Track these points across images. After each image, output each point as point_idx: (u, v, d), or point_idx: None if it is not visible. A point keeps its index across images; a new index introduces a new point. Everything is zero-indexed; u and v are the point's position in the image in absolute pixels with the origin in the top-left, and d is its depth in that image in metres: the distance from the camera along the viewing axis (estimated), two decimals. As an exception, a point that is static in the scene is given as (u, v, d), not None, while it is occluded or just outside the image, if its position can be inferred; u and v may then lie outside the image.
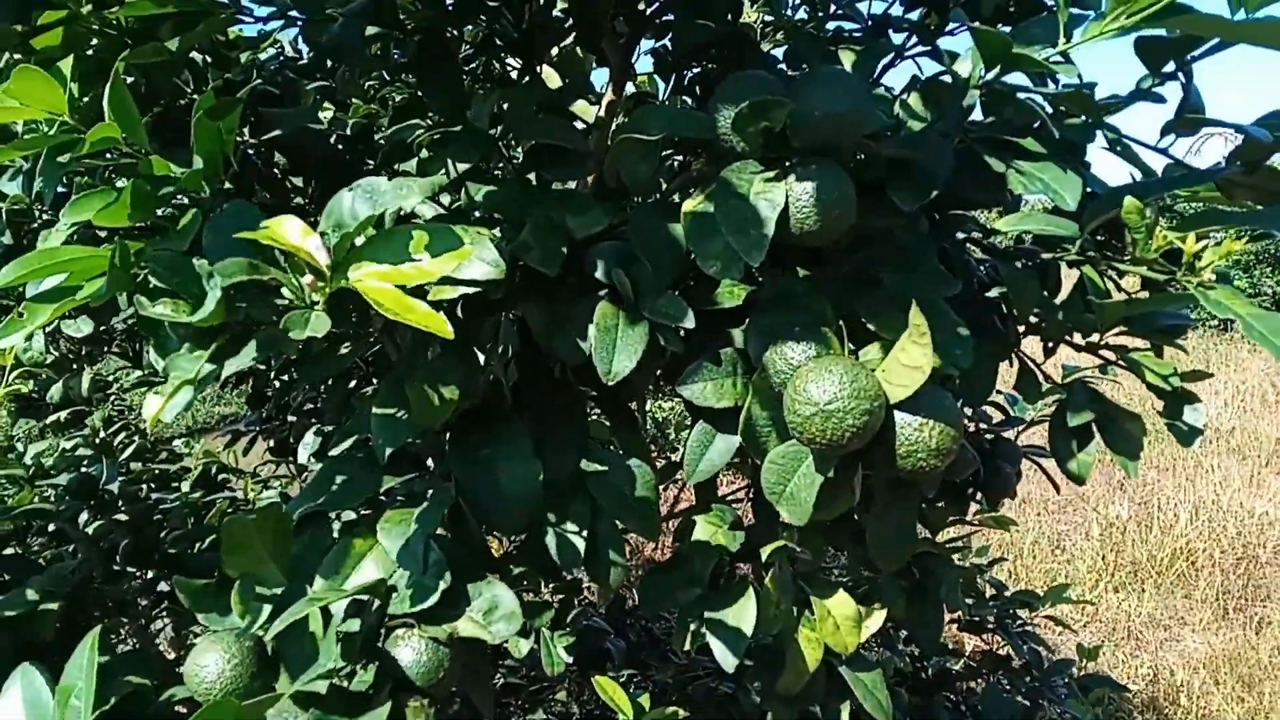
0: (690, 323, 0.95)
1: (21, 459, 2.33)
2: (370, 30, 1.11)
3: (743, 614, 1.10)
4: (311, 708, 0.79)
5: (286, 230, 0.74)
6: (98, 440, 2.69)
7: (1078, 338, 1.25)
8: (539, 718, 2.25)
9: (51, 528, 1.80)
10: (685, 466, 1.03)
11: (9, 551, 1.64)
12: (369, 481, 0.99)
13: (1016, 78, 0.97)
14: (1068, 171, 0.93)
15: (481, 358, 1.03)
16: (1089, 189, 1.03)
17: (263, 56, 1.58)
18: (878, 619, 1.23)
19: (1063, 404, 1.19)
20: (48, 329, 2.20)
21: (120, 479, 2.04)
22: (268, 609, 0.90)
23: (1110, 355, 1.20)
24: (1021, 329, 1.24)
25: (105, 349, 2.69)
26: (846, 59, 1.24)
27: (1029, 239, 1.29)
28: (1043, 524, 5.61)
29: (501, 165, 1.22)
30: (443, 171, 1.13)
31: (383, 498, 1.01)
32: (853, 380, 0.81)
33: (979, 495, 1.56)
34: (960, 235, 1.27)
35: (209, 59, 1.43)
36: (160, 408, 0.73)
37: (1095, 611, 4.70)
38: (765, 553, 1.17)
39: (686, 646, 1.13)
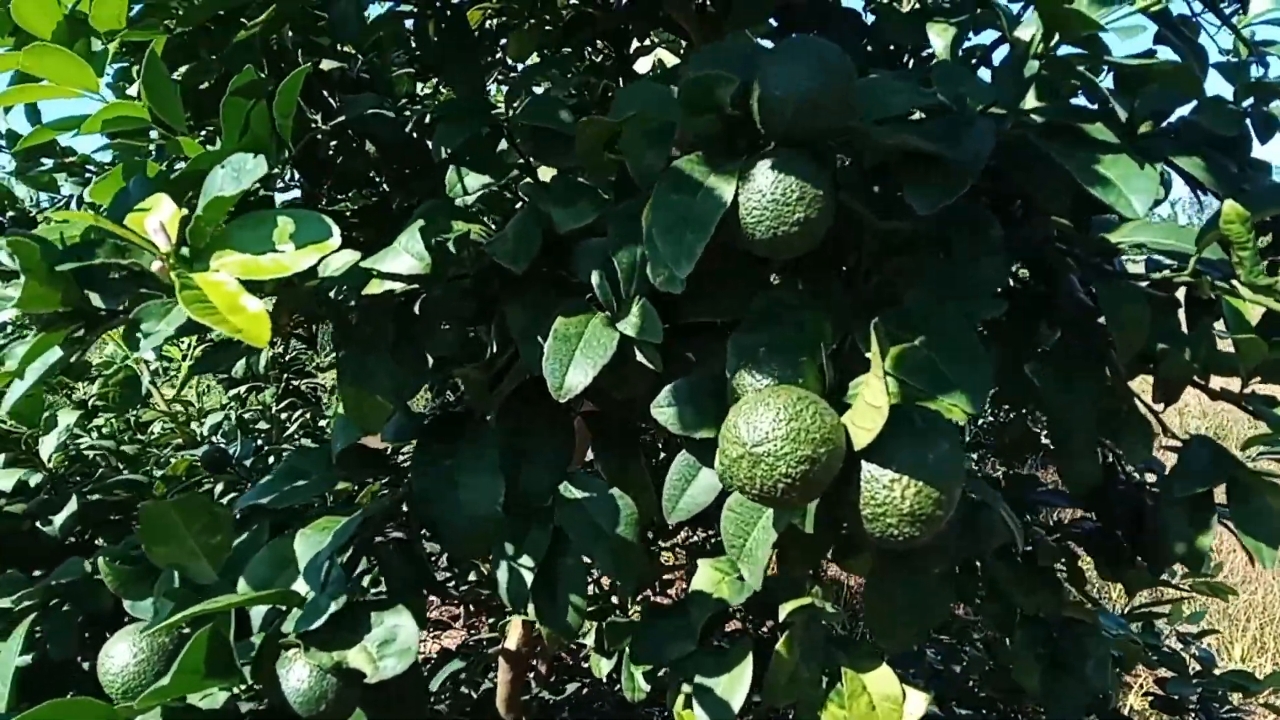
0: (657, 338, 0.81)
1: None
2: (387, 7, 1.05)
3: (735, 683, 0.94)
4: (168, 725, 0.73)
5: (153, 212, 0.68)
6: (268, 414, 2.86)
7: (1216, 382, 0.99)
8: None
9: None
10: (664, 502, 0.89)
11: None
12: (325, 481, 0.92)
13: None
14: (1145, 168, 0.71)
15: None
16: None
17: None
18: (920, 702, 1.02)
19: (1176, 465, 0.93)
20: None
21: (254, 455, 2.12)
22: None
23: (1251, 407, 0.93)
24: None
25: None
26: (939, 36, 1.04)
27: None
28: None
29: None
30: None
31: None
32: (792, 419, 0.65)
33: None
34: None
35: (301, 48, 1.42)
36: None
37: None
38: (785, 611, 1.00)
39: (678, 709, 0.98)
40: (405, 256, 0.79)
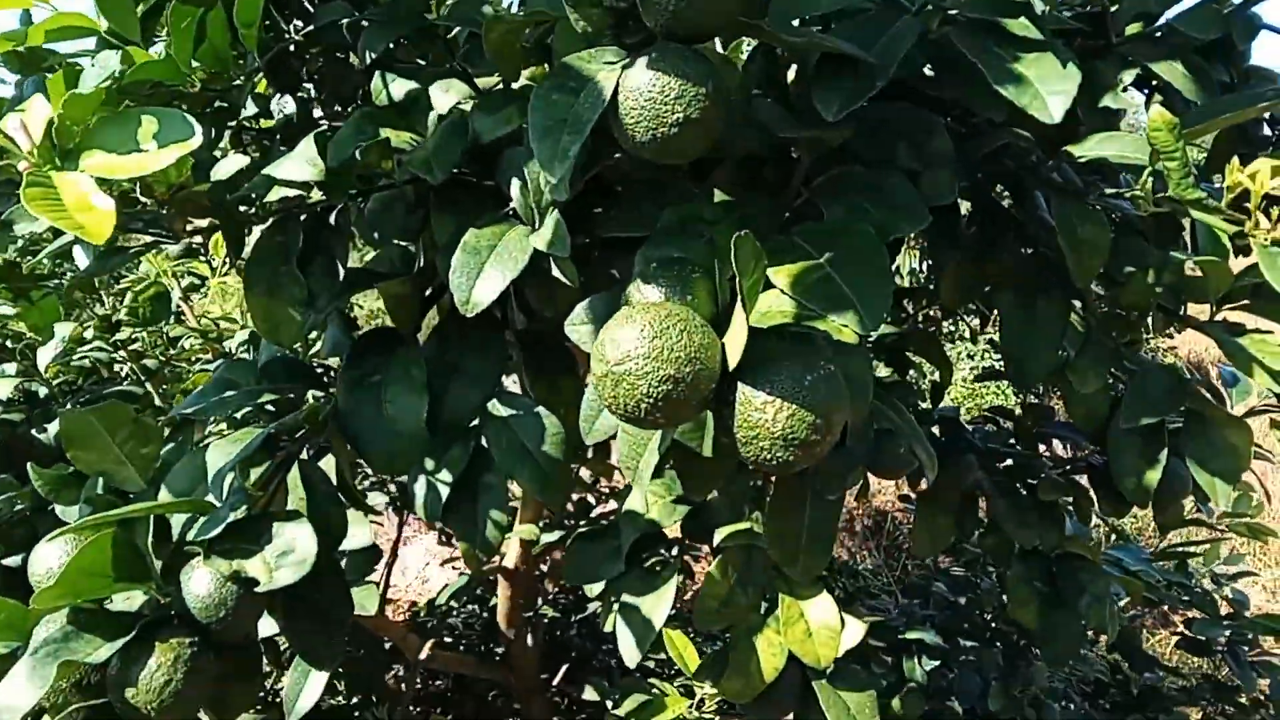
0: (564, 251, 0.78)
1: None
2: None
3: (658, 603, 0.93)
4: (70, 623, 0.75)
5: (23, 113, 0.67)
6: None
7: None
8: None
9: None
10: (581, 423, 0.87)
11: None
12: (252, 393, 0.92)
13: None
14: (1067, 67, 0.65)
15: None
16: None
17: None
18: (858, 631, 1.00)
19: (1127, 393, 0.87)
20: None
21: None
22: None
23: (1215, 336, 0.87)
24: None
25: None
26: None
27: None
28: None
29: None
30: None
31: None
32: (655, 336, 0.61)
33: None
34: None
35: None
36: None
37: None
38: (720, 536, 0.98)
39: (608, 629, 0.97)
40: (298, 161, 0.76)
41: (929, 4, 0.74)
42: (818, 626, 1.00)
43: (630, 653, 0.92)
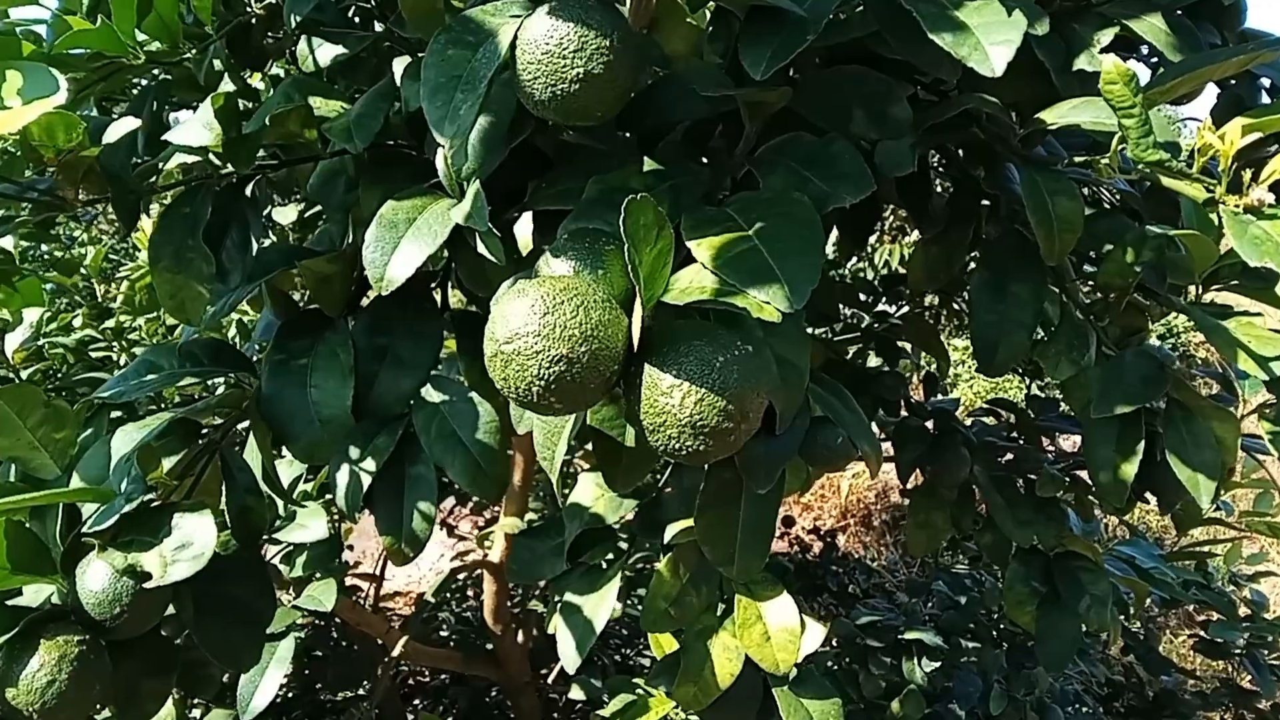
0: (482, 225, 0.73)
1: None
2: None
3: (600, 604, 0.87)
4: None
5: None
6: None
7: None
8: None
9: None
10: (512, 410, 0.81)
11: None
12: (173, 376, 0.88)
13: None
14: (1013, 15, 0.58)
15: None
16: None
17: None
18: (818, 634, 0.93)
19: (1102, 381, 0.80)
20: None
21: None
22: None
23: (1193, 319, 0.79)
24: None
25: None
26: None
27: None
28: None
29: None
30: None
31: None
32: (548, 312, 0.55)
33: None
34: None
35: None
36: None
37: None
38: (672, 532, 0.92)
39: (550, 630, 0.92)
40: (194, 127, 0.71)
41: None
42: (776, 629, 0.93)
43: (570, 657, 0.86)
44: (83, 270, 2.16)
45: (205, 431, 0.88)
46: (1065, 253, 0.79)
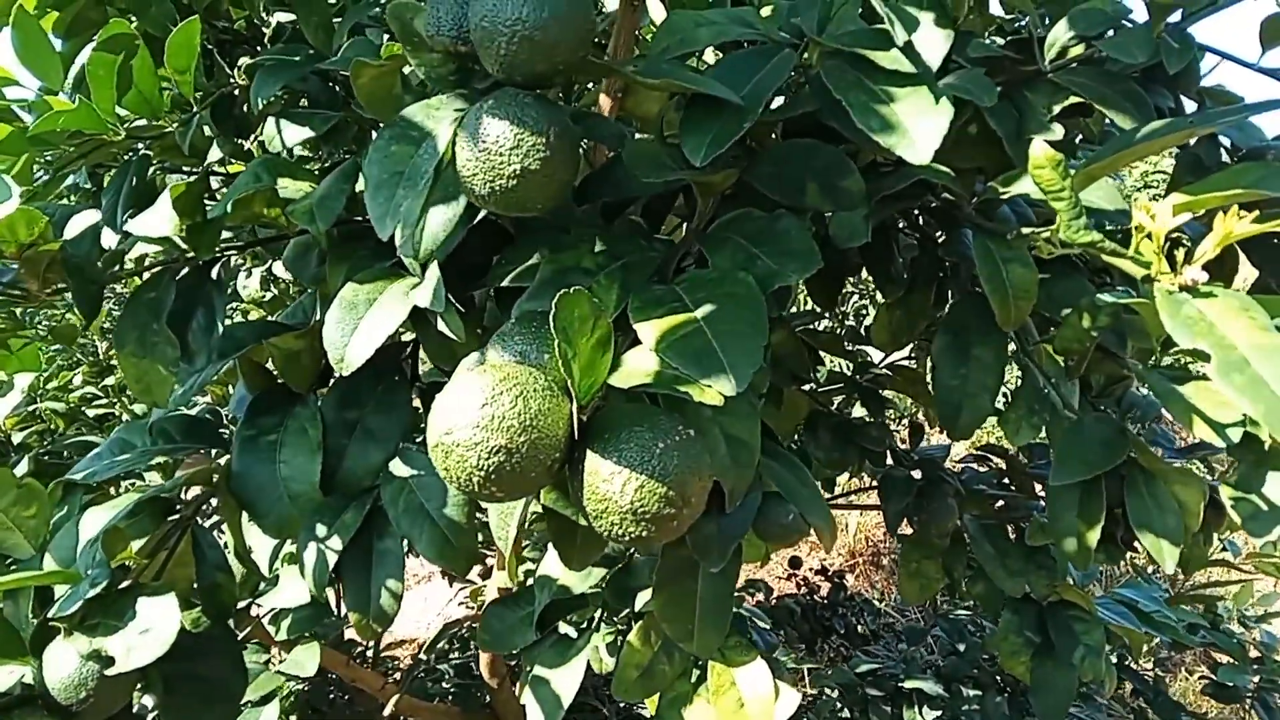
0: (439, 306, 0.74)
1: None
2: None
3: (568, 676, 0.87)
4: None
5: None
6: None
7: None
8: None
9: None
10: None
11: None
12: (146, 454, 0.89)
13: None
14: (940, 103, 0.59)
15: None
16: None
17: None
18: (793, 701, 0.93)
19: (1060, 446, 0.80)
20: (263, 270, 2.36)
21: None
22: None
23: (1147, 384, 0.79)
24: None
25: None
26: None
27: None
28: None
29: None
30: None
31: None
32: (485, 404, 0.56)
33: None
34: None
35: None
36: None
37: None
38: (642, 600, 0.92)
39: (522, 701, 0.92)
40: (152, 217, 0.73)
41: (809, 39, 0.68)
42: (751, 697, 0.93)
43: (538, 728, 0.86)
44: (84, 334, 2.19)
45: (178, 507, 0.89)
46: (1021, 319, 0.79)
